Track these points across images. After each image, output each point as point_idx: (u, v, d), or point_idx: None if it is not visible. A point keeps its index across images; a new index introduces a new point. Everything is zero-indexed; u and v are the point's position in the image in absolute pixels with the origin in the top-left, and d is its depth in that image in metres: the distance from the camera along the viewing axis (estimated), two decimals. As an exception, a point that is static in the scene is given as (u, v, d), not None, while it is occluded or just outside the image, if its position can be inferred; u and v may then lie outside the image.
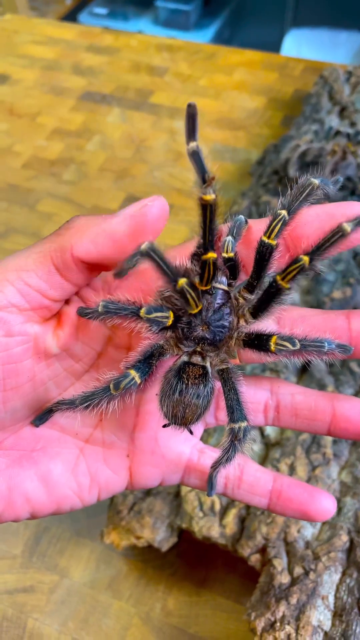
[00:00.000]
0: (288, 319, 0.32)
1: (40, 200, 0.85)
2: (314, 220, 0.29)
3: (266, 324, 0.31)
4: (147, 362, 0.29)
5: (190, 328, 0.30)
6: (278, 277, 0.28)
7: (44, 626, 0.50)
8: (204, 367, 0.30)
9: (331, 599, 0.41)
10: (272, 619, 0.41)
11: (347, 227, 0.26)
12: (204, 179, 0.28)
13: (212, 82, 1.01)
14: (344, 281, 0.60)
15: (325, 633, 0.40)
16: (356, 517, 0.45)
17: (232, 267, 0.30)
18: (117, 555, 0.54)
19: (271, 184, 0.72)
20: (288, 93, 0.97)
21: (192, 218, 0.74)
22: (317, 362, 0.55)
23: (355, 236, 0.27)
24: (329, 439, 0.50)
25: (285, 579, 0.43)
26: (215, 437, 0.51)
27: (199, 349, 0.30)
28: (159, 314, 0.28)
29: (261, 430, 0.52)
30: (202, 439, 0.44)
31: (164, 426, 0.30)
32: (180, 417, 0.29)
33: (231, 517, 0.47)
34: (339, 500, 0.47)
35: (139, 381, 0.28)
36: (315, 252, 0.27)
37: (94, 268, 0.29)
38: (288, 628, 0.40)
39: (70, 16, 1.98)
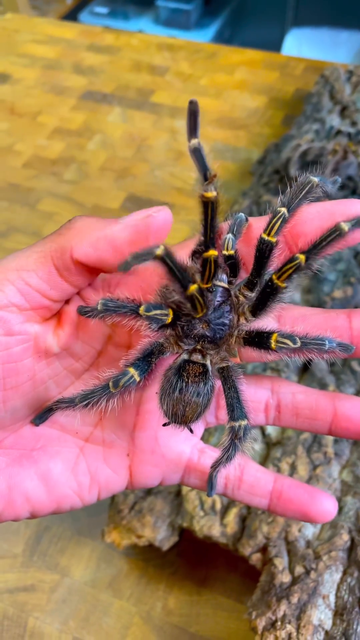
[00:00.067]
0: (289, 317, 0.32)
1: (41, 199, 0.85)
2: (315, 217, 0.29)
3: (267, 323, 0.31)
4: (147, 360, 0.29)
5: (190, 326, 0.30)
6: (274, 276, 0.28)
7: (45, 625, 0.50)
8: (204, 365, 0.30)
9: (332, 598, 0.41)
10: (273, 618, 0.41)
11: (345, 226, 0.26)
12: (206, 176, 0.27)
13: (213, 81, 1.01)
14: (345, 280, 0.60)
15: (326, 632, 0.40)
16: (357, 516, 0.45)
17: (233, 264, 0.30)
18: (118, 555, 0.54)
19: (272, 183, 0.72)
20: (289, 92, 0.97)
21: (193, 217, 0.74)
22: (318, 361, 0.55)
23: (354, 235, 0.27)
24: (330, 438, 0.50)
25: (286, 578, 0.43)
26: (216, 437, 0.51)
27: (199, 347, 0.30)
28: (158, 312, 0.28)
29: (262, 430, 0.52)
30: (203, 438, 0.44)
31: (164, 425, 0.30)
32: (180, 415, 0.29)
33: (232, 516, 0.47)
34: (340, 500, 0.47)
35: (138, 379, 0.28)
36: (312, 250, 0.27)
37: (92, 271, 0.29)
38: (289, 627, 0.40)
39: (71, 15, 1.98)
